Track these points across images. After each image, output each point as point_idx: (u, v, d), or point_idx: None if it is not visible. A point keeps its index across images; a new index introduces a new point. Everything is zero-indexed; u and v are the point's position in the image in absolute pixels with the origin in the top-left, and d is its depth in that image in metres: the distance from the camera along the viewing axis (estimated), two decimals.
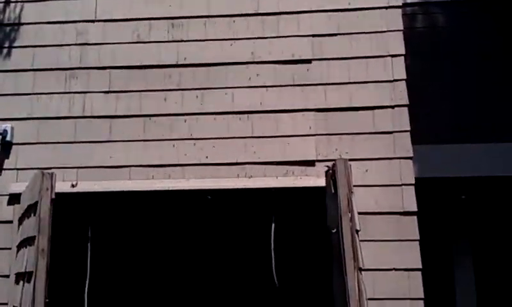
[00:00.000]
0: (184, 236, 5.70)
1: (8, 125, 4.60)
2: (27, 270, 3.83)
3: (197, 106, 4.60)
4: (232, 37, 4.74)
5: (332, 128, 4.48)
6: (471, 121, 5.65)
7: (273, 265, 4.36)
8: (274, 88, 4.60)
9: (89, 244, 4.43)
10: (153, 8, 4.83)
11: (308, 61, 4.64)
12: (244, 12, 4.77)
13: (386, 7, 4.69)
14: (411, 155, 4.35)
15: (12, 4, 4.95)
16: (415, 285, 4.12)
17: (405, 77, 4.53)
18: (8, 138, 4.57)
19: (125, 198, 4.63)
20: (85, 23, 4.86)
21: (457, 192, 5.68)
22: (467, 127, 5.62)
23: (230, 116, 4.56)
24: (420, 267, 4.14)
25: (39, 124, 4.65)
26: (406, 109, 4.47)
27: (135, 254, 5.75)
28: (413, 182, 4.29)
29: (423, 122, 5.22)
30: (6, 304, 4.27)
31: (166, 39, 4.77)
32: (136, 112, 4.63)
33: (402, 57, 4.58)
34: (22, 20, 4.91)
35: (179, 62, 4.71)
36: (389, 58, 4.58)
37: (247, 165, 4.46)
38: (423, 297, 4.11)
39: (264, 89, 4.60)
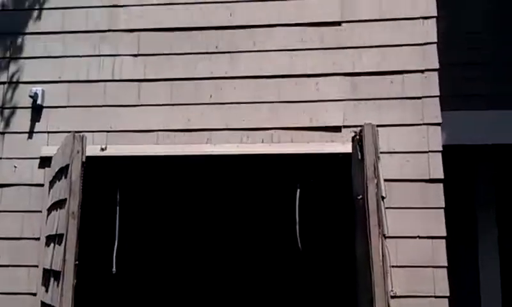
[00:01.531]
0: (209, 201, 5.78)
1: (38, 88, 4.65)
2: (57, 232, 3.92)
3: (224, 70, 4.58)
4: None
5: (359, 93, 4.41)
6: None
7: (297, 230, 4.40)
8: (302, 51, 4.53)
9: (117, 207, 4.52)
10: None
11: (338, 23, 4.55)
12: None
13: None
14: (440, 121, 4.28)
15: None
16: (438, 253, 4.09)
17: (436, 40, 4.40)
18: (39, 101, 4.63)
19: (152, 162, 4.68)
20: None
21: (487, 159, 5.57)
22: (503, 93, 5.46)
23: (257, 80, 4.53)
24: (445, 234, 4.11)
25: (69, 87, 4.70)
26: (436, 73, 4.36)
27: (163, 218, 5.87)
28: (441, 149, 4.22)
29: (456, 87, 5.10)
30: (37, 266, 4.41)
31: (194, 1, 4.72)
32: (164, 76, 4.63)
33: (435, 19, 4.46)
34: None
35: (207, 25, 4.66)
36: (420, 20, 4.46)
37: (273, 131, 4.43)
38: (446, 264, 4.08)
39: (292, 52, 4.54)
